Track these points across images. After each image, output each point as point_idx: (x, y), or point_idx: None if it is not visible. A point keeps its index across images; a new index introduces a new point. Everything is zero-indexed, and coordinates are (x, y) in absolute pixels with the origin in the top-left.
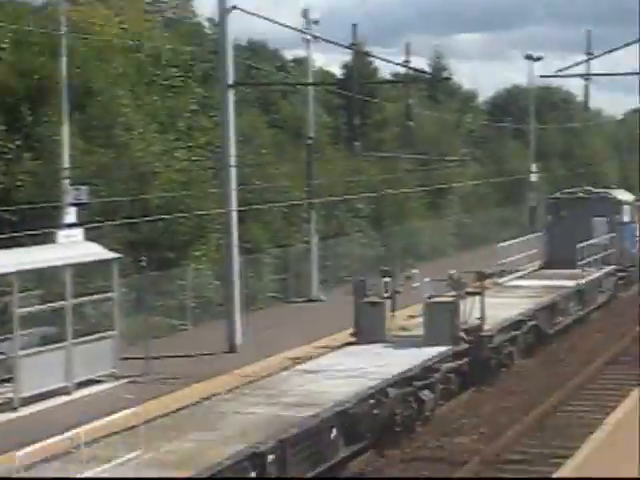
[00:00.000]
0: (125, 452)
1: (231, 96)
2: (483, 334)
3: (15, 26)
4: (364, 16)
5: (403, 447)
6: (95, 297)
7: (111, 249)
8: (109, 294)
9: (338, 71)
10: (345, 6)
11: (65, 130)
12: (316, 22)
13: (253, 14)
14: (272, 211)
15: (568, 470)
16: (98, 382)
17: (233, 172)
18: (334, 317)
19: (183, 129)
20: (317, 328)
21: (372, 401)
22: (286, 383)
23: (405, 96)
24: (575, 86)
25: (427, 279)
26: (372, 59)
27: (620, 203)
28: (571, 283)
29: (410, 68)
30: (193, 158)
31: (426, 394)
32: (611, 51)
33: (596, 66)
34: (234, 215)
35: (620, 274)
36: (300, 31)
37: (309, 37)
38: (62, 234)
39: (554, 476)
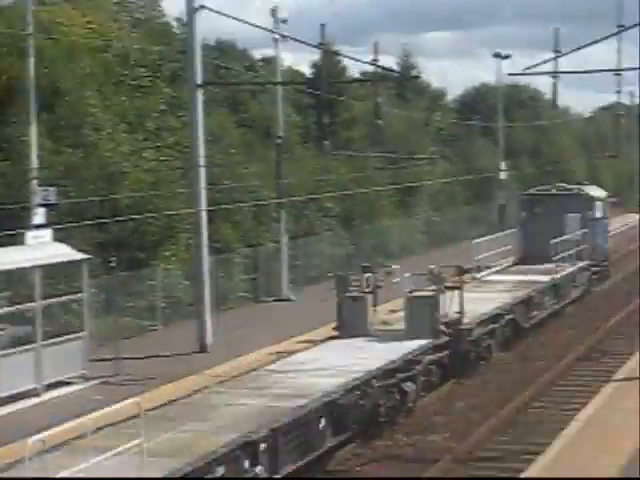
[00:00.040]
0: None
1: (200, 96)
2: (462, 327)
3: None
4: (332, 15)
5: (378, 445)
6: (64, 298)
7: (80, 250)
8: (78, 295)
9: (307, 70)
10: (313, 5)
11: (33, 130)
12: (284, 21)
13: (221, 13)
14: (242, 211)
15: (539, 467)
16: (68, 384)
17: (202, 172)
18: (304, 316)
19: (152, 129)
20: (287, 328)
21: (358, 392)
22: (272, 376)
23: (374, 95)
24: (543, 84)
25: (407, 274)
26: (341, 58)
27: (592, 199)
28: (546, 278)
29: (378, 67)
30: (162, 158)
31: (409, 385)
32: (579, 49)
33: (564, 64)
34: (204, 215)
35: (593, 269)
36: (268, 30)
37: (277, 36)
38: (31, 235)
39: (524, 475)
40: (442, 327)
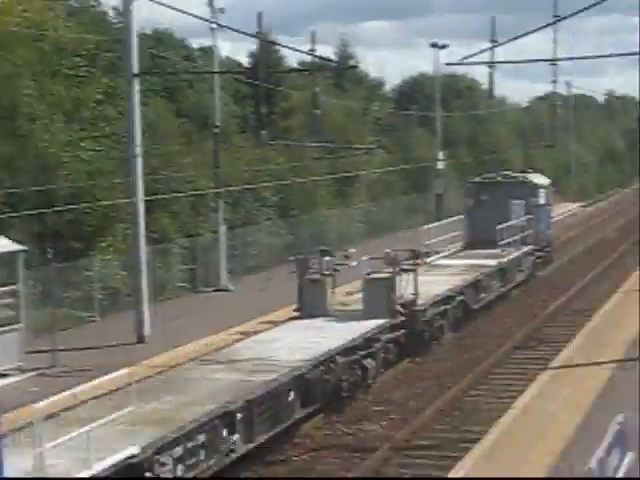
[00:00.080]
0: None
1: (136, 85)
2: (417, 308)
3: None
4: (270, 4)
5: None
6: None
7: (16, 241)
8: (14, 286)
9: (245, 60)
10: None
11: None
12: (222, 10)
13: (158, 2)
14: (180, 201)
15: (476, 454)
16: (4, 376)
17: (139, 162)
18: (242, 306)
19: (89, 119)
20: (225, 318)
21: (323, 367)
22: (241, 353)
23: (312, 84)
24: (480, 74)
25: (365, 257)
26: (279, 48)
27: (536, 187)
28: (493, 262)
29: (316, 56)
30: (99, 148)
31: (369, 362)
32: (515, 38)
33: (501, 54)
34: (141, 205)
35: (537, 254)
36: (205, 20)
37: (214, 26)
38: None
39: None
40: (398, 307)
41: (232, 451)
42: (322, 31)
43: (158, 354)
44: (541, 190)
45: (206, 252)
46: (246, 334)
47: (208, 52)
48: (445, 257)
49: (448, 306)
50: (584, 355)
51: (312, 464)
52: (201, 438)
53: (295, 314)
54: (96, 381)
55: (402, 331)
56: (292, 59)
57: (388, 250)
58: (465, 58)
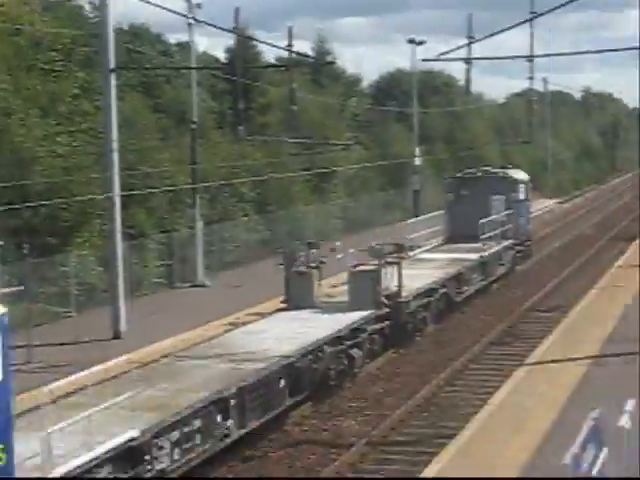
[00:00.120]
0: None
1: (113, 80)
2: (401, 300)
3: None
4: (247, 0)
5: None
6: None
7: None
8: None
9: (222, 55)
10: None
11: None
12: (199, 5)
13: None
14: (156, 196)
15: (452, 450)
16: None
17: (116, 157)
18: (218, 302)
19: (65, 114)
20: (202, 313)
21: (311, 357)
22: (230, 344)
23: (289, 80)
24: (457, 70)
25: (351, 250)
26: (256, 43)
27: (516, 182)
28: (474, 256)
29: (293, 52)
30: (75, 143)
31: (355, 352)
32: (492, 35)
33: (478, 50)
34: (117, 200)
35: (517, 248)
36: (182, 15)
37: (192, 21)
38: None
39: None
40: (383, 299)
41: (226, 436)
42: (299, 27)
43: (134, 350)
44: (521, 185)
45: (183, 248)
46: (235, 324)
47: (185, 47)
48: (427, 251)
49: (431, 298)
50: (560, 351)
51: (291, 460)
52: (197, 423)
53: (282, 306)
54: (72, 377)
55: (387, 322)
56: (269, 55)
57: (373, 243)
58: (442, 54)
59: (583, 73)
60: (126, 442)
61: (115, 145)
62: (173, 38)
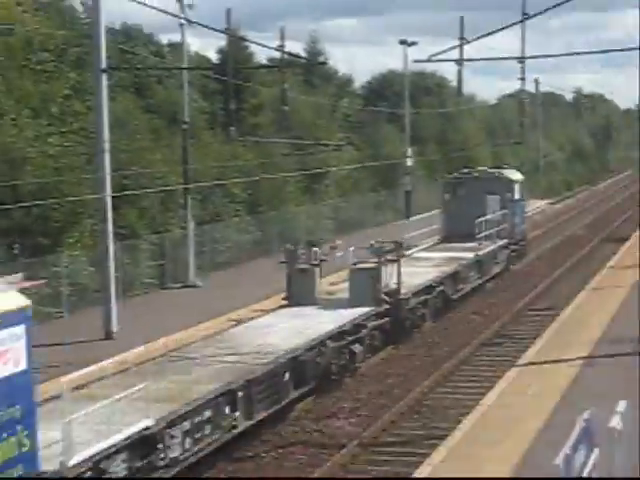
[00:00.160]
0: None
1: (104, 81)
2: (400, 297)
3: None
4: (239, 0)
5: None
6: None
7: None
8: None
9: (214, 56)
10: None
11: None
12: (190, 6)
13: None
14: (148, 197)
15: (444, 451)
16: None
17: (107, 157)
18: (210, 302)
19: (56, 114)
20: (194, 314)
21: (315, 351)
22: (236, 338)
23: (281, 81)
24: (450, 71)
25: (351, 248)
26: (248, 44)
27: (511, 182)
28: (470, 255)
29: (284, 53)
30: (67, 144)
31: (357, 347)
32: (483, 36)
33: (471, 52)
34: (109, 201)
35: (512, 247)
36: (174, 15)
37: (183, 21)
38: None
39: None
40: (383, 296)
41: (234, 427)
42: (291, 27)
43: (126, 350)
44: (516, 185)
45: (174, 248)
46: (225, 323)
47: (177, 48)
48: (425, 250)
49: (429, 296)
50: (552, 352)
51: (280, 460)
52: (207, 414)
53: (283, 302)
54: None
55: (387, 319)
56: (261, 55)
57: (373, 241)
58: (434, 55)
59: (575, 74)
60: (141, 431)
61: (107, 145)
62: (165, 38)
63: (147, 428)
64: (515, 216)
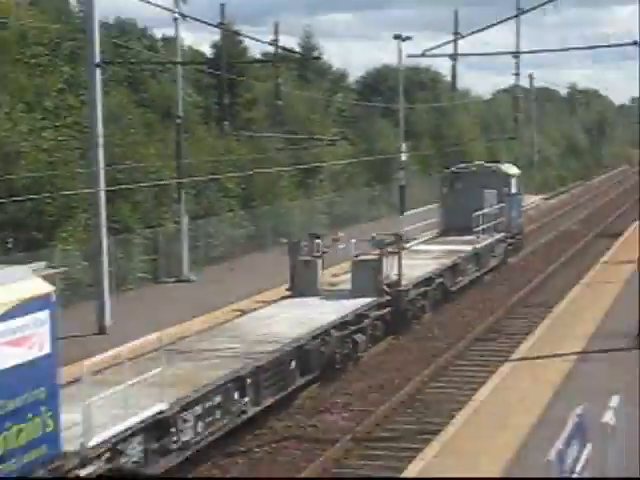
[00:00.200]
0: None
1: (98, 75)
2: (401, 289)
3: None
4: None
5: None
6: None
7: None
8: None
9: (208, 50)
10: None
11: None
12: (184, 1)
13: None
14: (142, 191)
15: (437, 446)
16: None
17: (101, 152)
18: (204, 297)
19: (50, 108)
20: (187, 308)
21: (319, 340)
22: (241, 328)
23: (275, 75)
24: (444, 66)
25: (353, 240)
26: (242, 38)
27: (508, 176)
28: (468, 247)
29: (279, 47)
30: (61, 138)
31: (359, 337)
32: (477, 31)
33: (466, 47)
34: (102, 195)
35: (509, 241)
36: (168, 10)
37: (177, 16)
38: None
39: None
40: (384, 287)
41: (243, 412)
42: (285, 22)
43: (119, 344)
44: (512, 180)
45: (168, 243)
46: (220, 319)
47: (171, 42)
48: (424, 243)
49: (429, 288)
50: (545, 347)
51: (274, 455)
52: (217, 399)
53: (287, 293)
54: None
55: (388, 309)
56: (255, 50)
57: (374, 234)
58: (428, 50)
59: (569, 70)
60: (155, 414)
61: (100, 140)
62: (159, 33)
63: (161, 412)
64: (512, 210)
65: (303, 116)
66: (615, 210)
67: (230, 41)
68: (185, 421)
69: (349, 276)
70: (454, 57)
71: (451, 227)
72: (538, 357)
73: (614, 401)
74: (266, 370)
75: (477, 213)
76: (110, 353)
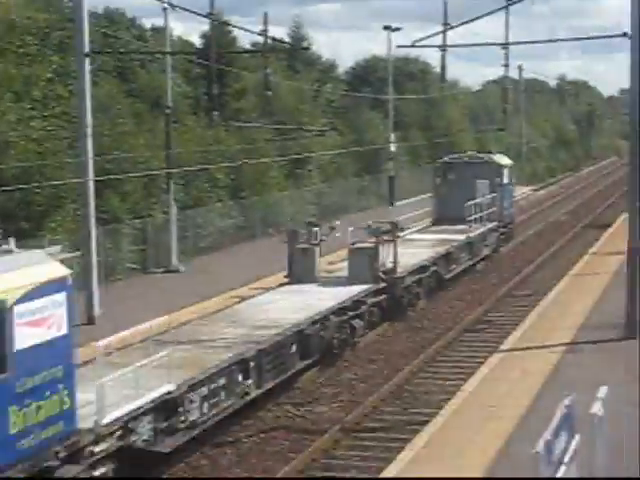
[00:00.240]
0: None
1: (87, 65)
2: (397, 276)
3: None
4: None
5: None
6: None
7: None
8: None
9: (197, 40)
10: None
11: None
12: None
13: None
14: (131, 181)
15: (426, 436)
16: None
17: (90, 142)
18: (193, 287)
19: (39, 98)
20: (176, 298)
21: (319, 325)
22: (242, 313)
23: (263, 66)
24: (433, 57)
25: (351, 228)
26: (231, 28)
27: (500, 167)
28: (461, 236)
29: (268, 37)
30: (49, 128)
31: (357, 322)
32: (466, 22)
33: (456, 37)
34: (91, 185)
35: (501, 230)
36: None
37: (167, 6)
38: None
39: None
40: (381, 274)
41: (246, 394)
42: (275, 12)
43: (108, 335)
44: (504, 170)
45: (157, 233)
46: (209, 309)
47: (160, 32)
48: (418, 232)
49: (423, 275)
50: (534, 337)
51: (262, 445)
52: (222, 381)
53: (285, 280)
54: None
55: (384, 296)
56: (244, 40)
57: (370, 222)
58: (418, 41)
59: (559, 61)
60: (163, 395)
61: (89, 130)
62: (148, 23)
63: (169, 392)
64: (504, 200)
65: (292, 106)
66: (604, 201)
67: (219, 31)
68: (192, 402)
69: (346, 264)
70: (443, 48)
71: (444, 216)
72: (527, 348)
73: (602, 392)
74: (268, 354)
75: (470, 203)
76: (120, 335)
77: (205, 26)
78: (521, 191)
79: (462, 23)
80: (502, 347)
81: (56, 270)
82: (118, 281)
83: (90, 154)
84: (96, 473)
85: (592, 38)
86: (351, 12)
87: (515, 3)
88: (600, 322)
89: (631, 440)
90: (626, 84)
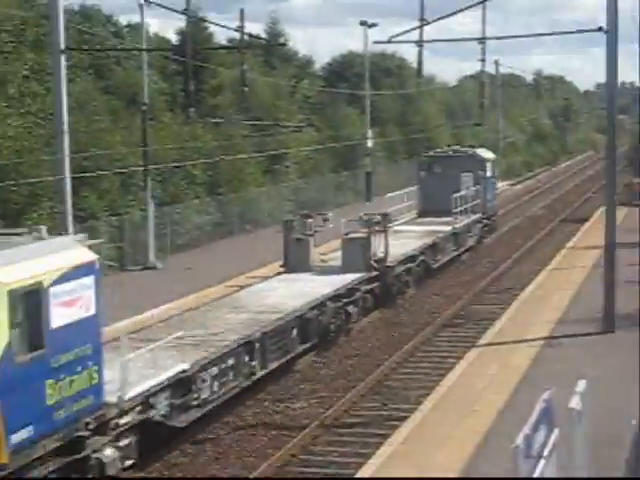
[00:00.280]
0: None
1: (63, 62)
2: (388, 265)
3: None
4: None
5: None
6: None
7: None
8: None
9: (173, 37)
10: None
11: None
12: None
13: None
14: (108, 179)
15: (405, 431)
16: None
17: (66, 139)
18: (170, 284)
19: (14, 95)
20: (153, 296)
21: (317, 311)
22: (243, 300)
23: (240, 62)
24: (410, 52)
25: (344, 220)
26: (207, 25)
27: (484, 160)
28: (447, 228)
29: (244, 34)
30: (25, 125)
31: (351, 308)
32: (443, 17)
33: (432, 33)
34: (68, 183)
35: (485, 222)
36: None
37: (142, 2)
38: None
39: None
40: (373, 263)
41: (252, 374)
42: (251, 9)
43: None
44: (488, 164)
45: (134, 230)
46: (183, 307)
47: (136, 28)
48: (405, 224)
49: (412, 264)
50: (512, 332)
51: (242, 443)
52: (230, 361)
53: (281, 269)
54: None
55: (376, 284)
56: (221, 36)
57: (362, 213)
58: (394, 37)
59: (535, 56)
60: (178, 373)
61: (65, 127)
62: (124, 19)
63: (184, 371)
64: (487, 192)
65: (269, 103)
66: (581, 196)
67: (195, 28)
68: (203, 380)
69: (339, 253)
70: (420, 44)
71: (429, 209)
72: (505, 342)
73: (580, 386)
74: (271, 336)
75: (455, 195)
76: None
77: (181, 23)
78: (498, 186)
79: (439, 18)
80: (480, 341)
81: (85, 255)
82: None
83: (67, 151)
84: (120, 444)
85: (568, 33)
86: (328, 8)
87: None
88: (578, 316)
89: (610, 431)
90: (602, 79)
